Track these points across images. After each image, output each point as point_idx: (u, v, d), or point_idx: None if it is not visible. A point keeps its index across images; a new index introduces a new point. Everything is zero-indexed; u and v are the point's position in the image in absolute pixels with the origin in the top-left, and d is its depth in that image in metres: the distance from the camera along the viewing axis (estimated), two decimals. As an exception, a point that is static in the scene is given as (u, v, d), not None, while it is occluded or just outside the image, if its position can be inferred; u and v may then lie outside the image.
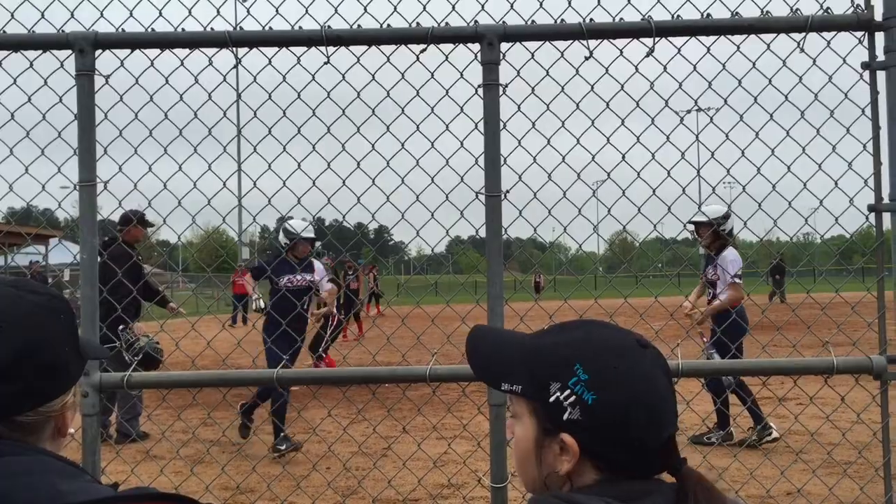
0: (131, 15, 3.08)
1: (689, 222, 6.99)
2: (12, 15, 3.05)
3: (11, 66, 3.04)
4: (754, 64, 3.02)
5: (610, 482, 1.20)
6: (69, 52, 2.94)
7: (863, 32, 2.91)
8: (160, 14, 3.06)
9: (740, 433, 6.89)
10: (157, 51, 3.02)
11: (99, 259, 2.99)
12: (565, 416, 1.19)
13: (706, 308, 6.98)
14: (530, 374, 1.25)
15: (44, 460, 1.22)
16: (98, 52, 2.95)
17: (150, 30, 2.96)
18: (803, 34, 2.89)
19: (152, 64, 3.08)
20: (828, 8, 2.90)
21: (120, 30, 2.98)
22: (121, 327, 6.79)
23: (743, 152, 3.02)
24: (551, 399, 1.21)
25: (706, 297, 7.33)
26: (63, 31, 2.96)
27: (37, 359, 1.24)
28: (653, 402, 1.20)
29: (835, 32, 2.93)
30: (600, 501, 1.14)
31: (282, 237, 7.51)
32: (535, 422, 1.25)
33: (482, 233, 2.99)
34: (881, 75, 2.85)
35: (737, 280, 6.79)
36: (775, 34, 2.94)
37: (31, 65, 3.07)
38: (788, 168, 3.02)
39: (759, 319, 3.28)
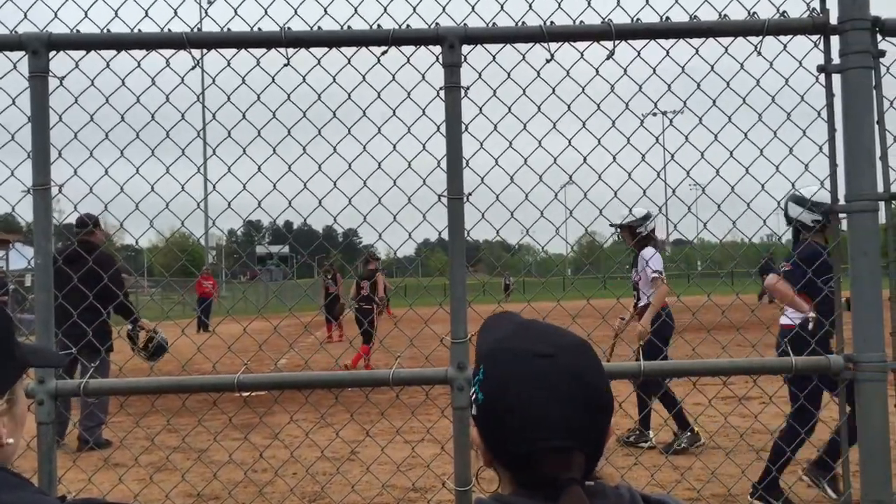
0: (86, 16, 3.02)
1: (612, 226, 7.23)
2: (-37, 15, 2.98)
3: (-39, 67, 2.98)
4: (712, 67, 3.05)
5: (520, 488, 1.23)
6: (22, 53, 2.88)
7: (818, 36, 2.95)
8: (116, 14, 3.01)
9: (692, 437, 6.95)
10: (113, 52, 2.97)
11: (54, 264, 2.93)
12: (473, 411, 1.29)
13: (643, 319, 7.03)
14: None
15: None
16: (52, 53, 2.89)
17: (105, 31, 2.91)
18: (760, 37, 2.92)
19: (108, 65, 3.03)
20: (784, 12, 2.94)
21: (74, 31, 2.92)
22: (129, 327, 6.81)
23: (702, 154, 3.05)
24: (470, 392, 1.32)
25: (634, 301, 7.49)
26: (16, 31, 2.90)
27: None
28: (533, 411, 1.19)
29: (791, 36, 2.97)
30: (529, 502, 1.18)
31: None
32: None
33: (445, 235, 2.99)
34: (836, 78, 2.89)
35: (656, 275, 6.99)
36: (733, 37, 2.97)
37: (-17, 66, 3.00)
38: (747, 170, 3.05)
39: (719, 319, 3.31)
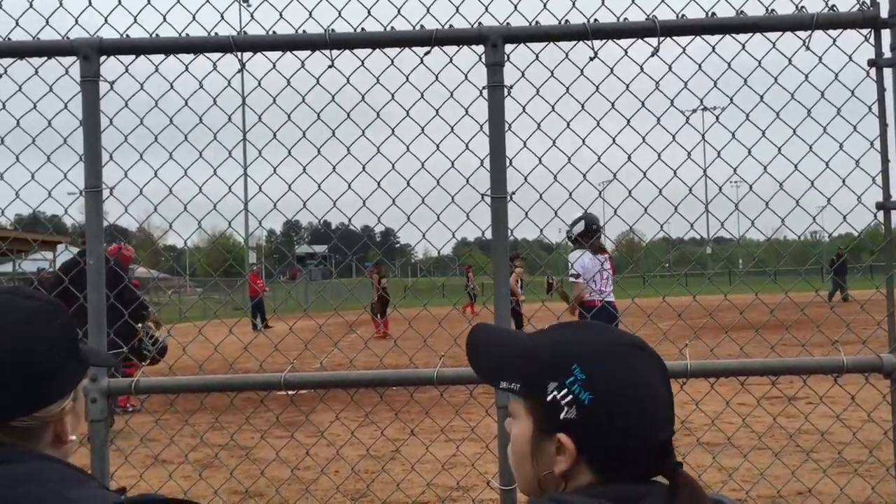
0: (135, 21, 3.07)
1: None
2: (17, 22, 3.05)
3: (16, 73, 3.05)
4: (759, 63, 3.00)
5: (604, 484, 1.20)
6: (74, 58, 2.95)
7: (868, 29, 2.90)
8: (164, 20, 3.07)
9: (747, 436, 6.85)
10: (162, 56, 3.03)
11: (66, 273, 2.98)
12: (562, 416, 1.20)
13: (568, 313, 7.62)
14: (528, 372, 1.26)
15: (50, 467, 1.21)
16: (103, 58, 2.95)
17: (154, 35, 2.97)
18: (809, 32, 2.88)
19: (157, 70, 3.08)
20: (833, 5, 2.89)
21: (124, 36, 2.98)
22: (140, 325, 6.99)
23: (749, 151, 3.01)
24: (548, 398, 1.21)
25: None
26: (68, 37, 2.97)
27: (26, 364, 1.24)
28: (648, 404, 1.20)
29: (840, 30, 2.91)
30: (595, 503, 1.14)
31: None
32: (532, 421, 1.25)
33: (488, 234, 2.99)
34: (888, 72, 2.83)
35: (572, 279, 7.79)
36: (781, 32, 2.92)
37: (37, 72, 3.07)
38: (795, 167, 3.01)
39: (768, 319, 3.26)
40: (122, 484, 1.46)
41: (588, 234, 7.80)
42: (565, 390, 1.20)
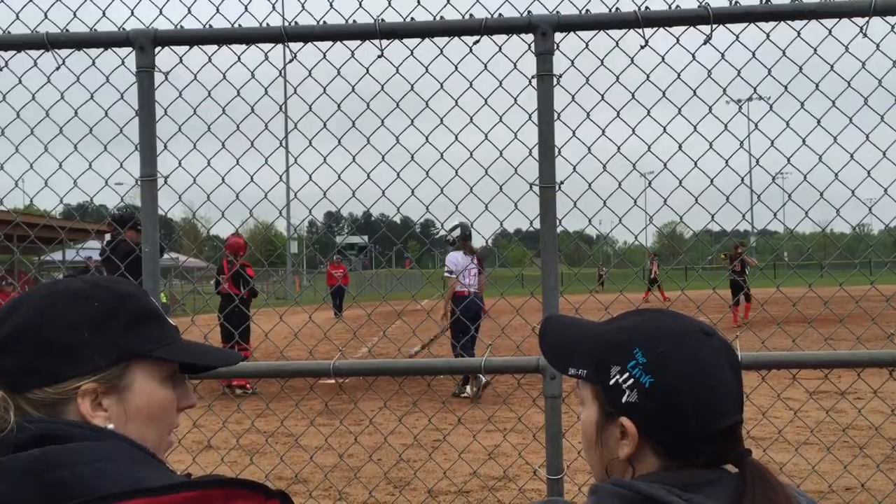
0: (189, 12, 3.12)
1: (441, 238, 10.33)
2: (75, 14, 3.12)
3: (74, 64, 3.12)
4: (815, 50, 2.95)
5: (671, 469, 1.20)
6: (129, 49, 3.00)
7: (930, 15, 2.82)
8: (217, 10, 3.10)
9: (797, 427, 6.76)
10: (214, 47, 3.07)
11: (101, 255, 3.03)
12: (624, 399, 1.21)
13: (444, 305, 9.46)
14: (594, 358, 1.28)
15: (120, 446, 1.23)
16: (157, 49, 3.00)
17: (207, 26, 3.01)
18: (866, 18, 2.81)
19: (210, 60, 3.13)
20: (893, -10, 2.82)
21: (178, 27, 3.03)
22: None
23: (804, 140, 2.96)
24: (611, 382, 1.23)
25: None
26: (123, 28, 3.02)
27: (36, 334, 1.23)
28: (711, 389, 1.20)
29: (900, 16, 2.84)
30: (661, 490, 1.14)
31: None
32: (598, 405, 1.27)
33: (535, 224, 2.98)
34: (950, 59, 2.76)
35: (447, 275, 9.53)
36: (837, 19, 2.86)
37: (94, 62, 3.14)
38: (851, 156, 2.95)
39: (821, 311, 3.20)
40: (174, 469, 1.43)
41: (462, 238, 9.69)
42: (627, 374, 1.22)
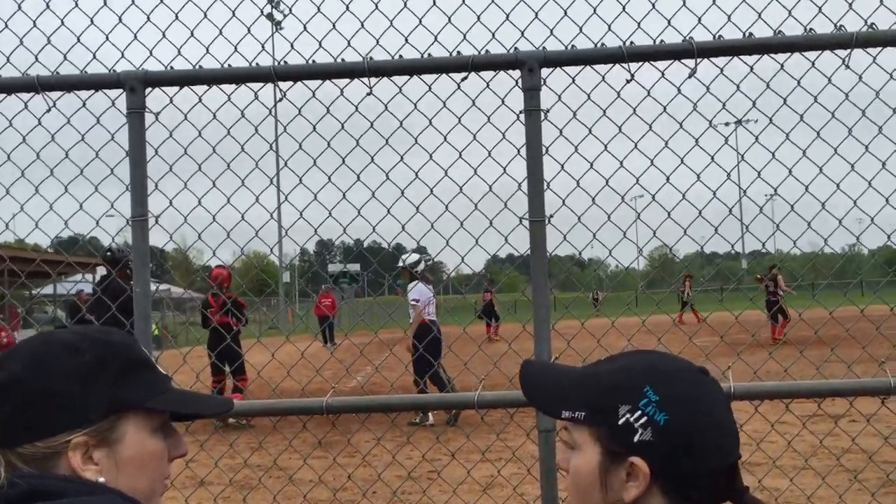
0: (179, 53, 3.15)
1: (395, 267, 10.86)
2: (65, 56, 3.14)
3: (65, 105, 3.14)
4: (799, 82, 2.99)
5: None
6: (120, 90, 3.02)
7: (910, 47, 2.87)
8: (207, 51, 3.13)
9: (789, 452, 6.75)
10: (205, 87, 3.09)
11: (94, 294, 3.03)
12: (636, 438, 1.19)
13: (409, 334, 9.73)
14: (594, 399, 1.26)
15: (112, 500, 1.23)
16: (148, 89, 3.02)
17: (197, 67, 3.03)
18: (848, 51, 2.86)
19: (200, 100, 3.15)
20: (872, 24, 2.87)
21: (169, 68, 3.05)
22: None
23: (790, 171, 2.99)
24: (620, 421, 1.21)
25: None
26: (114, 70, 3.04)
27: (26, 389, 1.23)
28: (719, 427, 1.21)
29: (880, 48, 2.89)
30: None
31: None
32: (600, 448, 1.24)
33: (525, 252, 3.00)
34: (931, 90, 2.80)
35: (413, 302, 9.89)
36: (820, 51, 2.91)
37: (84, 104, 3.15)
38: (837, 186, 2.98)
39: (813, 337, 3.22)
40: (167, 507, 1.41)
41: (425, 270, 10.27)
42: (639, 412, 1.20)
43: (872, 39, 2.84)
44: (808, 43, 2.85)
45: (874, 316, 3.13)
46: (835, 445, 6.61)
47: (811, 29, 2.88)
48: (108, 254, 7.90)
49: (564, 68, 3.01)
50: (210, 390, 8.79)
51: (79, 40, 3.19)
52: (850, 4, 3.04)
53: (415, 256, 10.25)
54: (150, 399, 1.32)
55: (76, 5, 3.22)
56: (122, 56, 3.18)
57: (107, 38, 3.20)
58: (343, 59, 3.02)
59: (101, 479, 1.25)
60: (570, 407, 1.28)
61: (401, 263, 10.37)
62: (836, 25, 2.87)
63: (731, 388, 2.74)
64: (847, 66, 2.89)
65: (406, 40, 3.09)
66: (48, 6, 3.20)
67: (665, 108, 3.04)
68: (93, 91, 3.09)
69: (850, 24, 2.87)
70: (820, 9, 2.93)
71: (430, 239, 3.29)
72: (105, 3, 3.20)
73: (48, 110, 3.09)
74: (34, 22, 3.21)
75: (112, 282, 7.46)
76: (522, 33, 3.09)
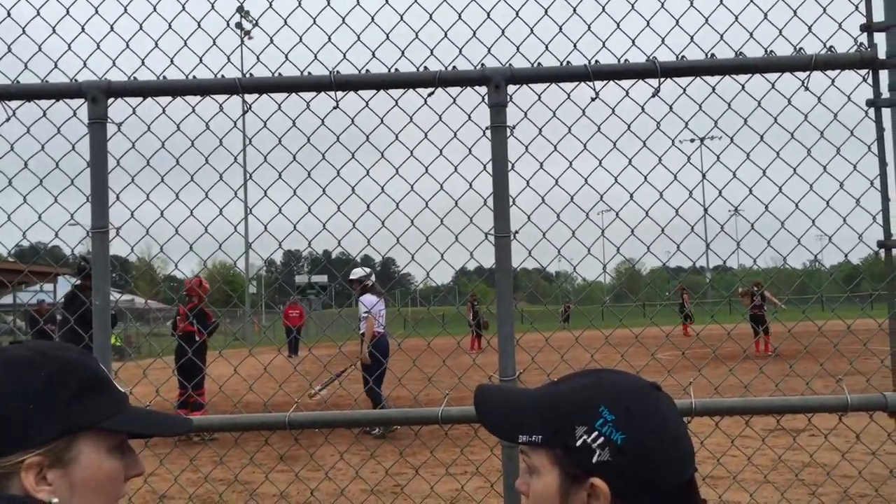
0: (143, 64, 3.11)
1: (346, 280, 11.16)
2: (26, 65, 3.10)
3: (25, 115, 3.09)
4: (759, 103, 3.04)
5: None
6: (82, 100, 2.98)
7: (867, 70, 2.94)
8: (171, 62, 3.10)
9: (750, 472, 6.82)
10: (169, 98, 3.06)
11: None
12: (594, 459, 1.19)
13: (363, 346, 10.09)
14: (550, 422, 1.25)
15: None
16: (110, 100, 2.98)
17: (161, 77, 3.00)
18: (807, 73, 2.91)
19: (164, 111, 3.12)
20: (831, 47, 2.93)
21: (132, 78, 3.02)
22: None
23: (751, 190, 3.04)
24: (578, 443, 1.20)
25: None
26: (76, 80, 3.00)
27: None
28: (675, 441, 1.21)
29: (839, 71, 2.95)
30: None
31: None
32: (559, 470, 1.23)
33: (491, 266, 3.01)
34: (886, 112, 2.87)
35: (364, 315, 10.33)
36: (780, 73, 2.96)
37: (45, 114, 3.11)
38: (797, 205, 3.03)
39: (773, 354, 3.25)
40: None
41: (369, 281, 10.63)
42: (596, 433, 1.20)
43: (831, 62, 2.90)
44: (768, 65, 2.91)
45: (832, 332, 3.18)
46: (794, 460, 6.70)
47: (772, 51, 2.93)
48: (84, 263, 7.76)
49: (531, 85, 3.03)
50: (175, 401, 8.68)
51: (40, 49, 3.14)
52: (810, 28, 3.11)
53: (360, 271, 10.72)
54: (106, 419, 1.29)
55: (38, 14, 3.18)
56: (85, 65, 3.14)
57: (69, 48, 3.16)
58: (310, 73, 3.01)
59: (55, 501, 1.23)
60: (526, 431, 1.27)
61: (353, 276, 10.74)
62: (795, 48, 2.93)
63: (692, 404, 2.77)
64: (807, 88, 2.95)
65: (373, 55, 3.09)
66: (9, 14, 3.15)
67: (629, 127, 3.07)
68: (54, 100, 3.04)
69: (809, 47, 2.93)
70: (780, 31, 2.99)
71: (396, 252, 3.28)
72: (67, 12, 3.16)
73: (7, 119, 3.04)
74: (-5, 29, 3.16)
75: (79, 293, 7.36)
76: (489, 50, 3.10)
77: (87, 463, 1.27)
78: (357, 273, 10.67)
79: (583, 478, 1.20)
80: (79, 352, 1.36)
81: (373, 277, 10.80)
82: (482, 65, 2.99)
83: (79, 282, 8.76)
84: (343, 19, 3.14)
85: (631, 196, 3.09)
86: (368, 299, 10.50)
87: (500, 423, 1.34)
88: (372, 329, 10.21)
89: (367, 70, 3.02)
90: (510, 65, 2.98)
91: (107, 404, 1.31)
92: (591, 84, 2.97)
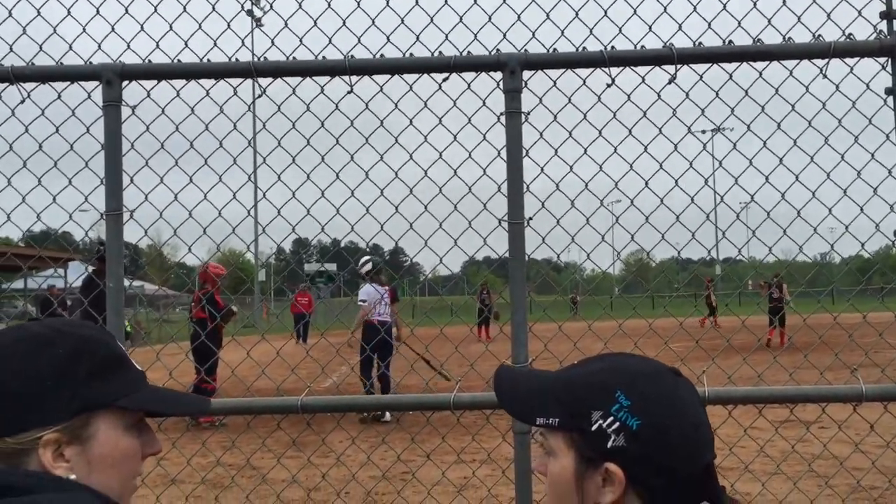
0: (157, 46, 3.11)
1: (357, 271, 10.95)
2: (41, 47, 3.09)
3: (40, 97, 3.09)
4: (777, 90, 3.01)
5: None
6: (96, 83, 2.98)
7: (886, 58, 2.90)
8: (186, 45, 3.09)
9: (762, 459, 6.80)
10: (183, 81, 3.06)
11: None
12: (609, 444, 1.18)
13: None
14: (567, 405, 1.25)
15: (82, 497, 1.20)
16: (125, 82, 2.98)
17: (175, 61, 3.00)
18: (826, 60, 2.88)
19: (178, 95, 3.11)
20: (850, 34, 2.89)
21: (147, 61, 3.01)
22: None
23: (767, 178, 3.01)
24: (593, 427, 1.20)
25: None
26: (90, 62, 3.00)
27: None
28: (693, 427, 1.20)
29: (857, 58, 2.92)
30: None
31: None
32: (575, 454, 1.23)
33: (503, 254, 2.99)
34: (906, 101, 2.84)
35: (359, 303, 10.55)
36: (798, 60, 2.93)
37: (59, 96, 3.11)
38: (813, 194, 3.00)
39: (787, 345, 3.24)
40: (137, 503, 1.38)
41: (374, 272, 10.74)
42: (611, 418, 1.19)
43: (850, 50, 2.87)
44: (786, 52, 2.88)
45: (847, 323, 3.16)
46: (806, 451, 6.67)
47: (790, 38, 2.90)
48: (101, 247, 7.79)
49: (546, 71, 3.01)
50: (190, 384, 8.71)
51: (55, 31, 3.14)
52: (829, 14, 3.07)
53: (369, 264, 10.82)
54: (124, 397, 1.29)
55: (53, -5, 3.17)
56: (99, 48, 3.13)
57: (84, 30, 3.16)
58: (324, 57, 3.00)
59: (72, 478, 1.22)
60: (543, 413, 1.27)
61: (363, 269, 10.86)
62: (814, 35, 2.90)
63: (705, 393, 2.76)
64: (825, 76, 2.92)
65: (388, 39, 3.07)
66: (25, -4, 3.15)
67: (645, 113, 3.05)
68: (68, 83, 3.04)
69: (828, 35, 2.90)
70: (799, 18, 2.96)
71: (408, 239, 3.27)
72: (83, -6, 3.15)
73: (22, 101, 3.04)
74: (10, 11, 3.16)
75: (101, 277, 7.40)
76: (504, 35, 3.08)
77: (104, 440, 1.27)
78: (366, 267, 10.81)
79: (598, 462, 1.20)
80: (97, 329, 1.36)
81: (367, 266, 10.88)
82: (497, 50, 2.97)
83: (94, 267, 8.82)
84: (358, 3, 3.12)
85: (646, 183, 3.06)
86: (365, 289, 10.74)
87: (519, 404, 1.33)
88: (363, 317, 10.40)
89: (382, 55, 3.00)
90: (525, 50, 2.96)
91: (124, 382, 1.31)
92: (606, 70, 2.95)
